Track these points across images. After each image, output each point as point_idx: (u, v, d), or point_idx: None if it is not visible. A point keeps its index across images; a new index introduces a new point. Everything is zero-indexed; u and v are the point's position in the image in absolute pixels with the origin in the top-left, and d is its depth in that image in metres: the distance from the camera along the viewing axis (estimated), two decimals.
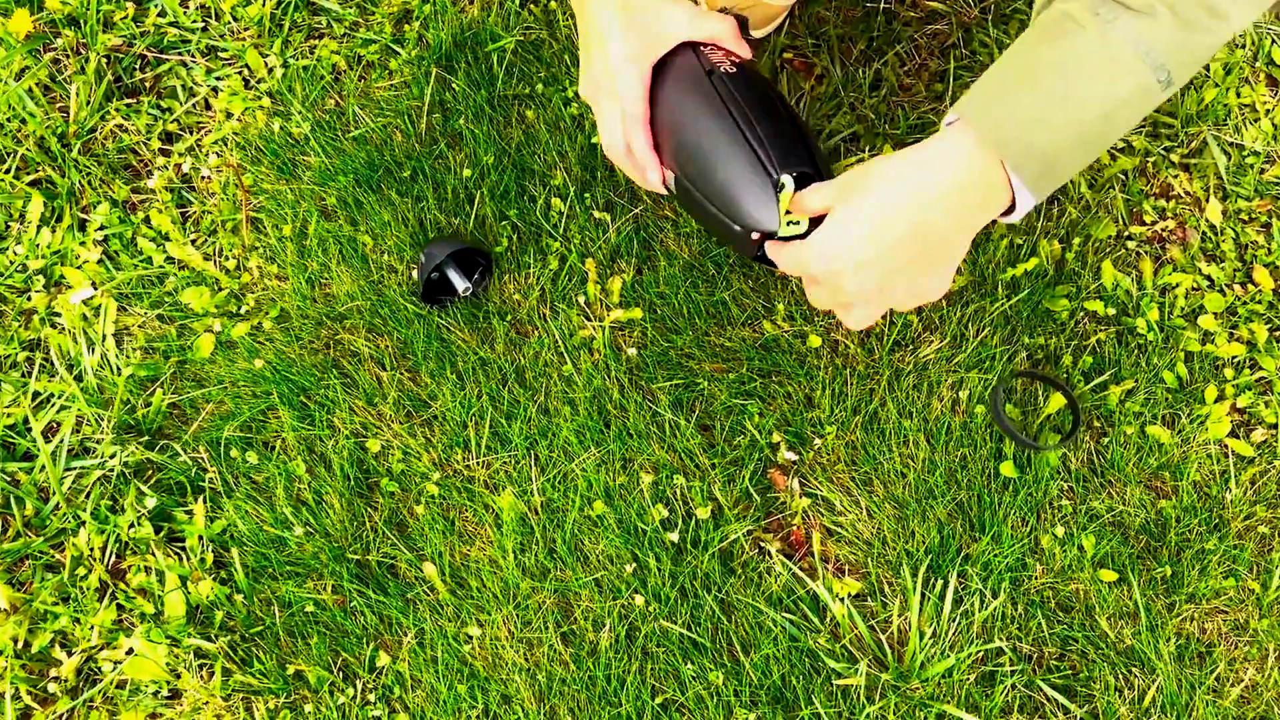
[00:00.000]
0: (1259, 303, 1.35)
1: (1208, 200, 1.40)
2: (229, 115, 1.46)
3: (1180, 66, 0.71)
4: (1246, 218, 1.41)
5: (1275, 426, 1.30)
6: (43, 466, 1.26)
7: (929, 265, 0.80)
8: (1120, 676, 1.17)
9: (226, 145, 1.44)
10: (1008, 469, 1.25)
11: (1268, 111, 1.45)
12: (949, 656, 1.16)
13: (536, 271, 1.34)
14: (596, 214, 1.35)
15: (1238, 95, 1.44)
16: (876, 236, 0.77)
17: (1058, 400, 1.27)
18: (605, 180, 1.37)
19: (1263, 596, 1.22)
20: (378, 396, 1.29)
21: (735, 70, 0.96)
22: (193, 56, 1.49)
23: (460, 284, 1.29)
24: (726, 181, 0.92)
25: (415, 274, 1.32)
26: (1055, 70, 0.71)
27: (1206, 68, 1.43)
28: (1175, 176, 1.42)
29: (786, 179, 0.91)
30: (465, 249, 1.30)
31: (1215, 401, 1.29)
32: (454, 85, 1.41)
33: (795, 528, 1.25)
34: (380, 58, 1.47)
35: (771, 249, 0.92)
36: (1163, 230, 1.40)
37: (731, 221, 0.93)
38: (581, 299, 1.32)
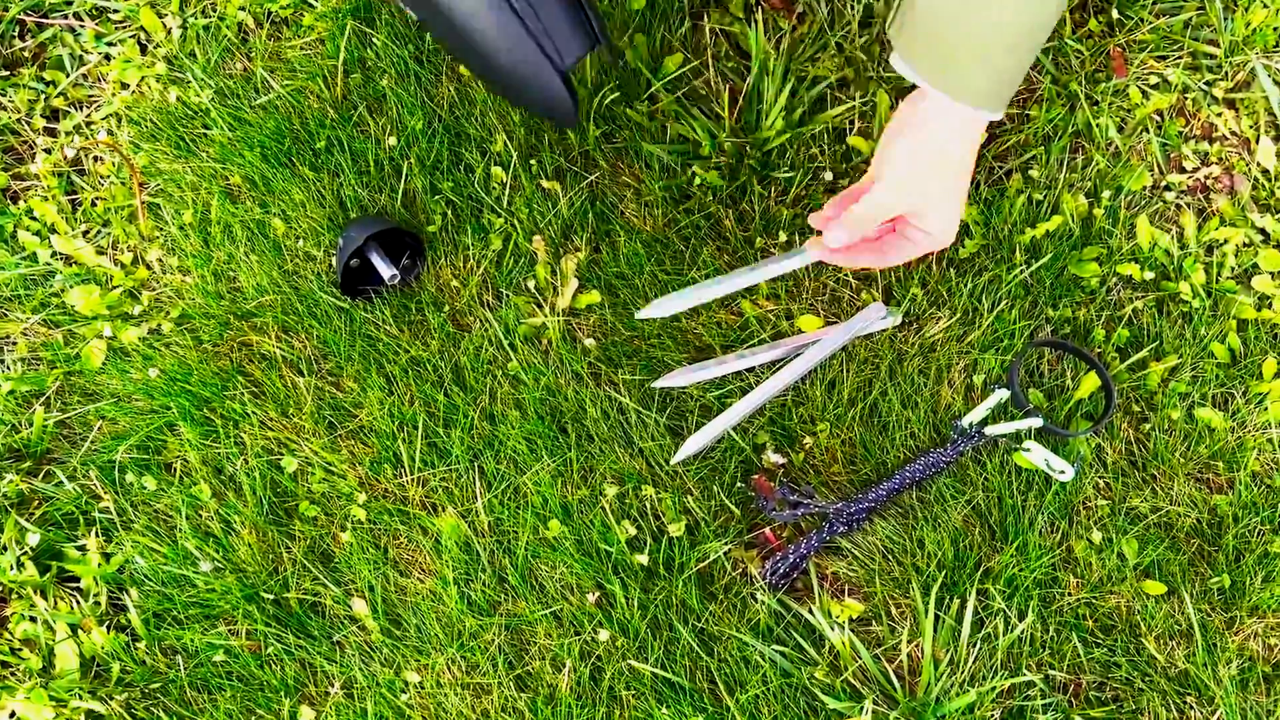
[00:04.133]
0: None
1: (1258, 140, 1.23)
2: (124, 86, 1.27)
3: None
4: None
5: None
6: None
7: (956, 180, 0.94)
8: (1173, 707, 1.03)
9: (120, 121, 1.25)
10: (1031, 463, 1.08)
11: None
12: (969, 690, 1.01)
13: (476, 253, 1.16)
14: (544, 183, 1.19)
15: None
16: (957, 206, 0.94)
17: (1091, 382, 1.11)
18: (554, 144, 1.19)
19: None
20: (292, 406, 1.12)
21: None
22: (80, 19, 1.30)
23: (386, 271, 1.12)
24: (509, 74, 0.96)
25: (335, 261, 1.14)
26: (978, 14, 0.84)
27: None
28: (1219, 115, 1.24)
29: None
30: (390, 229, 1.13)
31: (1275, 377, 1.13)
32: (375, 40, 1.23)
33: (770, 531, 1.07)
34: (294, 12, 1.28)
35: (906, 255, 0.99)
36: (1206, 178, 1.23)
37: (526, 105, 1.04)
38: (530, 283, 1.16)
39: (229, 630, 1.07)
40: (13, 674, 1.06)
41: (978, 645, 1.03)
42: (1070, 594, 1.05)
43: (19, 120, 1.27)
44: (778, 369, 1.11)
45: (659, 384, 1.10)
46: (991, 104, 0.88)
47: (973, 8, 0.83)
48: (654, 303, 1.08)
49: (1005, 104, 0.89)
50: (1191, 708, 1.02)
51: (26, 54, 1.30)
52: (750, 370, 1.12)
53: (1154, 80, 1.24)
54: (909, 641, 1.03)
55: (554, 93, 0.95)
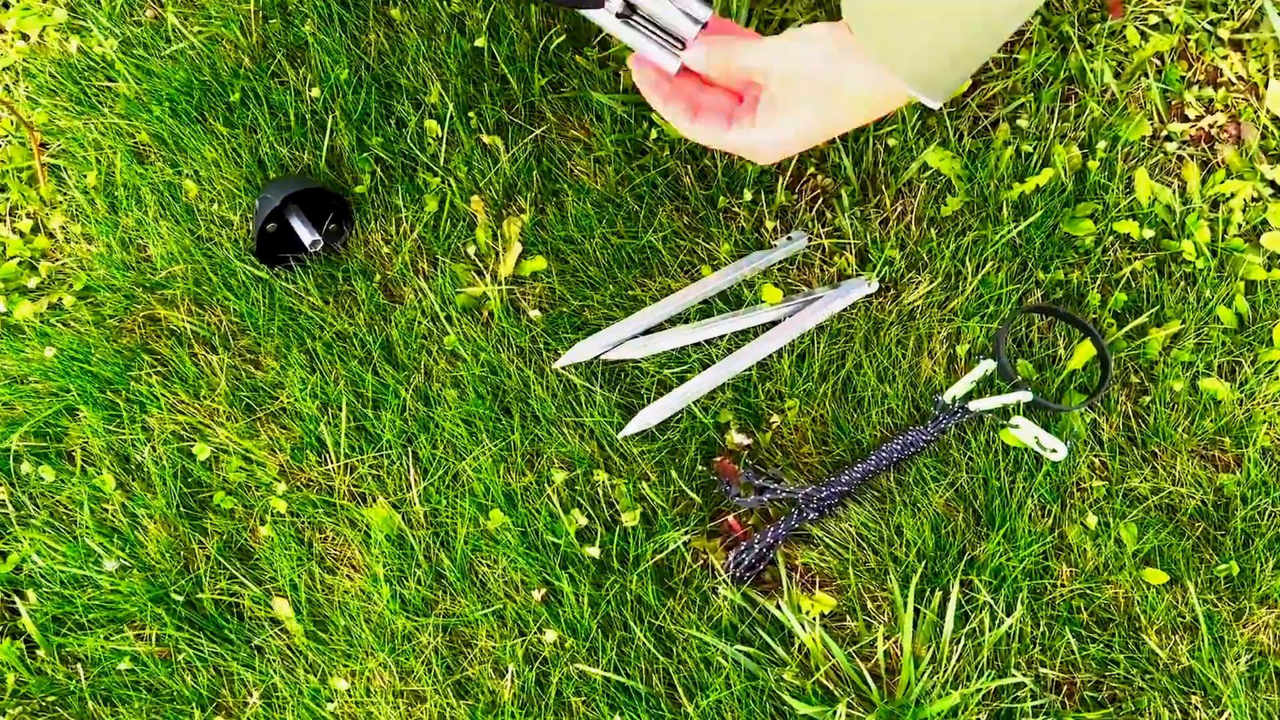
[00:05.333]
0: None
1: (1266, 85, 1.17)
2: (24, 37, 1.16)
3: None
4: None
5: None
6: None
7: (830, 112, 0.83)
8: (1175, 707, 0.97)
9: (18, 75, 1.14)
10: (1019, 440, 1.02)
11: None
12: (953, 691, 0.95)
13: (409, 216, 1.09)
14: (485, 138, 1.12)
15: None
16: (801, 140, 0.84)
17: (1085, 351, 1.05)
18: (496, 94, 1.10)
19: None
20: (205, 388, 1.05)
21: None
22: None
23: (308, 236, 1.05)
24: None
25: (252, 226, 1.04)
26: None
27: None
28: (1224, 57, 1.18)
29: None
30: (313, 190, 1.07)
31: None
32: None
33: (734, 519, 0.99)
34: None
35: (712, 135, 0.86)
36: (1211, 127, 1.16)
37: None
38: (470, 249, 1.09)
39: (136, 635, 0.99)
40: None
41: (962, 642, 0.96)
42: (1063, 584, 0.99)
43: None
44: (741, 342, 1.03)
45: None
46: (930, 90, 0.76)
47: None
48: (573, 348, 1.03)
49: (946, 94, 0.78)
50: (1196, 708, 0.96)
51: None
52: (710, 342, 1.03)
53: (1154, 20, 1.17)
54: (886, 638, 0.97)
55: None
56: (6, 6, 1.18)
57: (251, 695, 0.97)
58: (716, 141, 0.85)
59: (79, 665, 0.98)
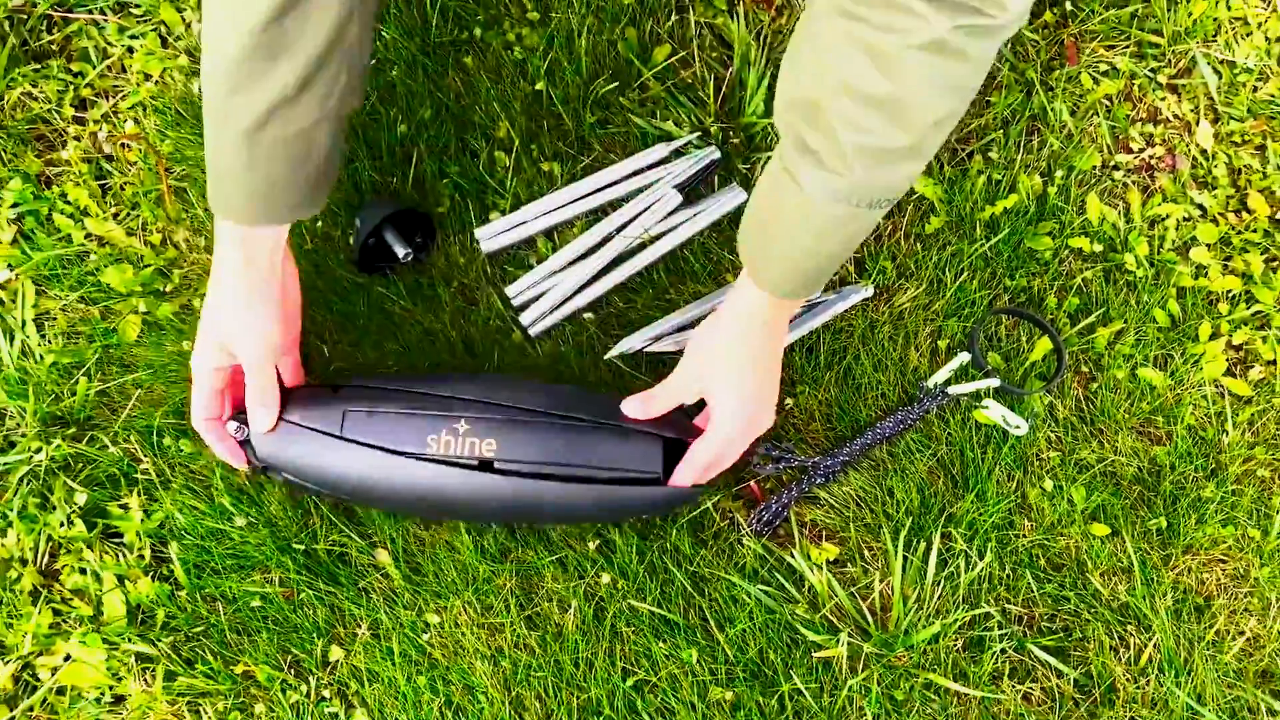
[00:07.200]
0: (1254, 231, 1.26)
1: (1198, 123, 1.30)
2: (147, 77, 1.34)
3: (886, 192, 0.82)
4: (1239, 140, 1.31)
5: (1273, 363, 1.21)
6: None
7: (773, 381, 1.02)
8: (1115, 635, 1.10)
9: (145, 110, 1.33)
10: (989, 418, 1.16)
11: (1260, 24, 1.34)
12: (934, 622, 1.08)
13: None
14: (544, 165, 1.25)
15: (1228, 8, 1.33)
16: (747, 401, 1.00)
17: (1044, 345, 1.18)
18: (553, 129, 1.27)
19: (1263, 544, 1.15)
20: (316, 377, 1.20)
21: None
22: (103, 14, 1.37)
23: (400, 249, 1.19)
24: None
25: (353, 241, 1.22)
26: (784, 226, 0.87)
27: None
28: (1163, 99, 1.32)
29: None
30: (403, 211, 1.19)
31: (1209, 339, 1.22)
32: (385, 34, 1.30)
33: (755, 484, 1.16)
34: None
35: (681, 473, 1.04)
36: (1151, 158, 1.30)
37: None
38: (532, 259, 1.23)
39: (264, 579, 1.12)
40: (65, 622, 1.14)
41: (942, 583, 1.08)
42: (1024, 536, 1.11)
43: (50, 110, 1.34)
44: None
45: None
46: (789, 293, 0.92)
47: (774, 230, 0.88)
48: (621, 342, 1.17)
49: (808, 293, 0.94)
50: (1131, 635, 1.10)
51: (54, 46, 1.37)
52: None
53: (1104, 67, 1.30)
54: (880, 580, 1.08)
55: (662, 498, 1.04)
56: (131, 52, 1.37)
57: (360, 627, 1.10)
58: (713, 458, 1.02)
59: (218, 603, 1.11)
